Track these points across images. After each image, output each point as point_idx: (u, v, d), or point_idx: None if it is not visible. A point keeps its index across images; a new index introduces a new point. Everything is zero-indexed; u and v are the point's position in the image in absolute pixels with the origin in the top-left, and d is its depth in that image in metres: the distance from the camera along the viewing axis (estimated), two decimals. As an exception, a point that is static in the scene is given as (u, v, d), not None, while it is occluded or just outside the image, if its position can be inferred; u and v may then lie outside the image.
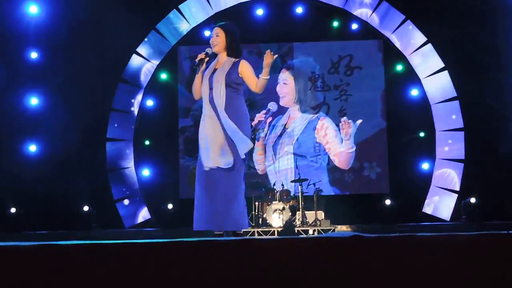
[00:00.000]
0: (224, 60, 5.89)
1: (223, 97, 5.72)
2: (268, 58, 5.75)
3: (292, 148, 12.23)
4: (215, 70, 5.83)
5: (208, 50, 5.90)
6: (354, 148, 12.09)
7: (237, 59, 5.91)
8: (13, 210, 11.47)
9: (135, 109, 12.43)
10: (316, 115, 12.43)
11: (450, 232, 8.86)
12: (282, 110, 12.31)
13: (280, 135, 12.33)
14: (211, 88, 5.76)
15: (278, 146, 12.29)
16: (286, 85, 12.53)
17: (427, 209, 12.00)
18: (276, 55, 5.82)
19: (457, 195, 11.88)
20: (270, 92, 11.65)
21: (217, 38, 5.91)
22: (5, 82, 11.95)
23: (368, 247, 2.64)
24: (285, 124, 12.43)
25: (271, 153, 12.23)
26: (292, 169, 12.04)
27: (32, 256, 2.72)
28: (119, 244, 2.78)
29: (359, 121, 11.82)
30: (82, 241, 3.10)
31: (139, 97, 12.42)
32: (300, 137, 12.32)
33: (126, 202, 12.20)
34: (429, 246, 2.60)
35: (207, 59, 5.89)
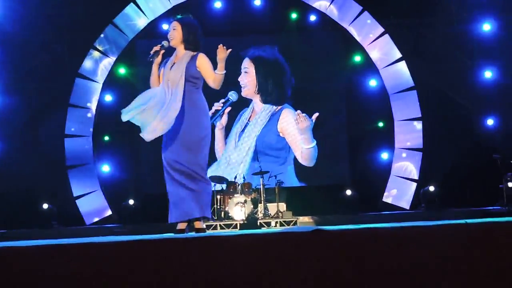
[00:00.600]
0: (182, 54, 5.87)
1: (181, 91, 5.71)
2: (222, 53, 5.75)
3: (253, 143, 12.00)
4: (174, 64, 5.81)
5: (164, 43, 5.88)
6: (314, 144, 11.75)
7: (195, 53, 5.90)
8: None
9: (93, 105, 12.27)
10: (280, 107, 12.25)
11: (410, 221, 9.00)
12: (246, 103, 12.15)
13: (243, 129, 12.09)
14: (169, 81, 5.73)
15: (240, 140, 12.03)
16: (247, 74, 12.20)
17: (387, 198, 12.13)
18: (229, 50, 5.81)
19: (416, 183, 12.03)
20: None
21: (174, 31, 5.89)
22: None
23: (329, 240, 2.65)
24: (249, 117, 12.19)
25: (232, 146, 12.01)
26: (249, 163, 11.84)
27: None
28: (78, 244, 2.75)
29: (315, 115, 11.19)
30: (41, 241, 3.05)
31: (97, 92, 12.26)
32: (263, 130, 12.05)
33: (86, 198, 12.05)
34: (389, 239, 2.63)
35: (162, 51, 5.86)
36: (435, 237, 2.60)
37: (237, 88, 11.64)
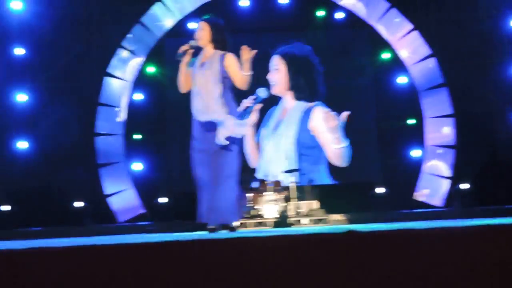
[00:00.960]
0: (211, 53, 5.88)
1: (216, 91, 5.73)
2: (246, 54, 5.76)
3: (289, 140, 11.91)
4: (203, 63, 5.82)
5: (193, 42, 5.89)
6: (345, 144, 11.55)
7: (223, 52, 5.91)
8: (4, 208, 11.41)
9: (123, 104, 12.35)
10: (312, 104, 12.15)
11: (443, 219, 8.92)
12: (275, 101, 12.08)
13: (276, 127, 11.98)
14: (203, 81, 5.75)
15: (275, 138, 11.92)
16: (278, 70, 12.10)
17: (419, 196, 12.03)
18: (254, 51, 5.81)
19: (449, 181, 11.91)
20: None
21: (201, 31, 5.92)
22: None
23: (363, 242, 2.63)
24: (280, 115, 12.07)
25: (268, 144, 11.92)
26: (285, 161, 11.76)
27: (25, 259, 2.70)
28: (113, 246, 2.77)
29: (345, 114, 10.74)
30: (75, 243, 3.08)
31: (126, 91, 12.35)
32: (296, 127, 11.96)
33: (118, 196, 12.16)
34: (424, 240, 2.60)
35: (191, 50, 5.87)
36: (474, 238, 2.57)
37: (265, 86, 11.59)
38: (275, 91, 11.97)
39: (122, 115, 12.32)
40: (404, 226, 2.89)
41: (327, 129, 11.33)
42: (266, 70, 12.03)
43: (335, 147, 11.58)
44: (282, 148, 11.88)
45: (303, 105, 12.00)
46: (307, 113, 11.98)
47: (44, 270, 2.61)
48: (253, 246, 2.68)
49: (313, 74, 11.97)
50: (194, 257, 2.66)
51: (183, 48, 5.87)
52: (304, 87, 11.95)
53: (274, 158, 11.87)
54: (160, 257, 2.67)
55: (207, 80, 5.69)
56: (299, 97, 11.98)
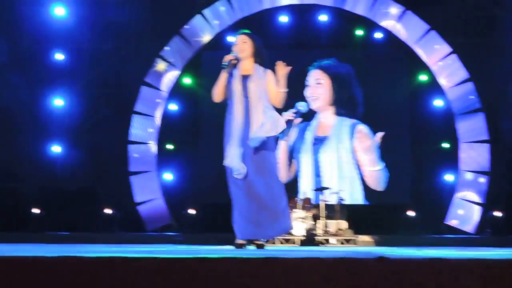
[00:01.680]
0: (251, 67, 5.87)
1: (262, 106, 5.73)
2: (282, 70, 5.75)
3: (332, 157, 11.86)
4: (245, 76, 5.80)
5: (236, 54, 5.86)
6: (380, 167, 11.46)
7: (264, 68, 5.91)
8: (35, 210, 11.53)
9: (158, 113, 12.43)
10: (353, 121, 12.15)
11: (475, 246, 8.77)
12: (307, 115, 12.04)
13: (316, 143, 11.92)
14: (245, 96, 5.74)
15: (319, 154, 11.88)
16: (321, 85, 12.09)
17: (451, 221, 11.86)
18: (289, 67, 5.79)
19: (481, 207, 11.73)
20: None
21: (244, 44, 5.89)
22: (31, 83, 12.11)
23: (394, 270, 2.58)
24: (317, 131, 12.04)
25: (307, 161, 11.89)
26: (321, 178, 11.69)
27: (51, 269, 2.70)
28: (139, 259, 2.76)
29: (380, 134, 10.91)
30: (105, 253, 3.08)
31: (162, 101, 12.43)
32: (342, 145, 11.95)
33: (147, 205, 12.21)
34: (459, 272, 2.55)
35: (235, 61, 5.86)
36: (508, 272, 2.50)
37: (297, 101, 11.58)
38: (316, 105, 11.91)
39: (156, 125, 12.39)
40: (437, 255, 2.83)
41: (363, 149, 11.31)
42: (301, 87, 12.04)
43: (369, 169, 11.53)
44: (323, 165, 11.82)
45: (347, 122, 11.95)
46: (352, 131, 11.95)
47: (70, 280, 2.62)
48: (280, 268, 2.65)
49: (355, 91, 11.98)
50: (219, 276, 2.63)
51: (229, 57, 5.83)
52: (347, 103, 11.93)
53: (308, 174, 11.86)
54: (184, 274, 2.65)
55: (253, 93, 5.69)
56: (340, 113, 11.96)
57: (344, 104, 11.97)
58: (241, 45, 5.90)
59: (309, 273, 2.62)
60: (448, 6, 12.31)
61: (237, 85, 5.78)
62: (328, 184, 11.03)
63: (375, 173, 11.50)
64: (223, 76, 5.82)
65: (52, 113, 12.44)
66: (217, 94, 5.85)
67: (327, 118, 12.04)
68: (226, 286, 2.58)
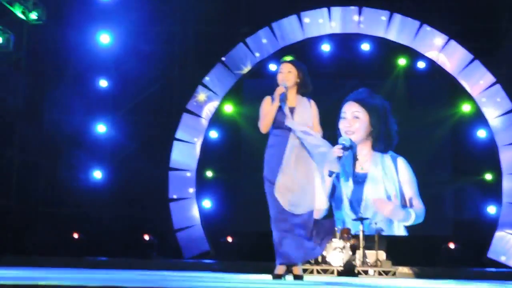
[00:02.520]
0: (295, 98, 5.82)
1: (316, 139, 5.71)
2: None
3: (377, 189, 11.85)
4: (292, 108, 5.75)
5: (285, 84, 5.80)
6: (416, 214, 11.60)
7: (307, 98, 5.86)
8: (76, 235, 11.64)
9: (199, 140, 12.50)
10: (391, 154, 12.09)
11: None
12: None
13: (356, 176, 11.86)
14: (296, 127, 5.71)
15: (348, 186, 11.89)
16: (358, 119, 12.07)
17: (493, 254, 11.61)
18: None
19: (526, 241, 11.48)
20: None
21: (289, 74, 5.82)
22: (76, 109, 12.34)
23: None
24: (355, 165, 11.97)
25: (348, 193, 11.89)
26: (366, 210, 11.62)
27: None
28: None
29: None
30: (142, 283, 3.09)
31: (203, 128, 12.49)
32: (379, 177, 11.92)
33: (186, 232, 12.23)
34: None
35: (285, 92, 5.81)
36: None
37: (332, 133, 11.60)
38: (354, 139, 11.83)
39: (196, 152, 12.44)
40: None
41: (407, 182, 11.44)
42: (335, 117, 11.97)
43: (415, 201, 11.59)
44: (367, 197, 11.78)
45: (386, 155, 11.91)
46: (395, 164, 11.89)
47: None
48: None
49: (390, 124, 11.90)
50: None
51: (281, 90, 5.77)
52: (384, 137, 11.86)
53: (347, 207, 11.80)
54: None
55: (298, 125, 5.67)
56: (376, 146, 11.89)
57: (381, 138, 11.91)
58: (286, 74, 5.84)
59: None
60: (492, 36, 12.20)
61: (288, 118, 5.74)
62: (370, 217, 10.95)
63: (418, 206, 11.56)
64: (274, 108, 5.74)
65: (95, 139, 12.61)
66: (267, 125, 5.74)
67: (364, 152, 11.98)
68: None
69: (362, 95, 12.04)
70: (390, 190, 11.91)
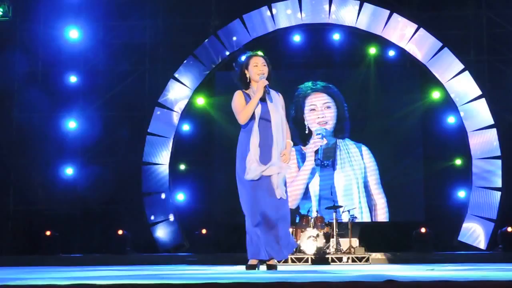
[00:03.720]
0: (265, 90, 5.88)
1: (287, 130, 5.79)
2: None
3: (345, 177, 12.00)
4: (261, 99, 5.80)
5: (263, 77, 5.86)
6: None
7: (275, 91, 5.93)
8: (48, 233, 11.58)
9: (171, 133, 12.48)
10: (353, 142, 12.26)
11: (485, 262, 8.73)
12: (307, 137, 12.08)
13: (324, 164, 12.01)
14: (268, 120, 5.76)
15: (317, 175, 12.05)
16: (330, 108, 12.22)
17: (463, 237, 11.81)
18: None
19: (493, 224, 11.67)
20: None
21: (264, 67, 5.90)
22: (46, 106, 12.26)
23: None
24: (322, 153, 12.12)
25: (317, 181, 12.02)
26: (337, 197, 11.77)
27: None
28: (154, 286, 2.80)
29: None
30: (117, 280, 3.11)
31: (175, 121, 12.48)
32: (346, 164, 12.09)
33: (160, 226, 12.24)
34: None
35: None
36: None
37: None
38: (327, 129, 11.99)
39: (169, 145, 12.43)
40: (445, 278, 2.85)
41: (370, 170, 11.64)
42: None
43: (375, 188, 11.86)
44: (337, 185, 11.92)
45: (351, 143, 12.11)
46: (360, 152, 12.09)
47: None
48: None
49: (346, 111, 12.17)
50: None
51: (266, 82, 5.81)
52: (345, 125, 12.11)
53: (319, 193, 11.95)
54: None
55: (277, 121, 5.73)
56: (339, 135, 12.11)
57: (344, 126, 12.13)
58: (262, 67, 5.91)
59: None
60: (461, 24, 12.38)
61: (257, 108, 5.81)
62: (341, 204, 11.08)
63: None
64: (256, 100, 5.78)
65: (65, 135, 12.54)
66: (248, 117, 5.77)
67: (330, 142, 12.15)
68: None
69: (324, 85, 12.21)
70: (357, 177, 12.07)
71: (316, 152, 10.95)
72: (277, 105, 5.85)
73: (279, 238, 5.76)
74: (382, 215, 12.18)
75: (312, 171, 12.04)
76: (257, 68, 5.86)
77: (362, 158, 12.12)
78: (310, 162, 11.76)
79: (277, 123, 5.79)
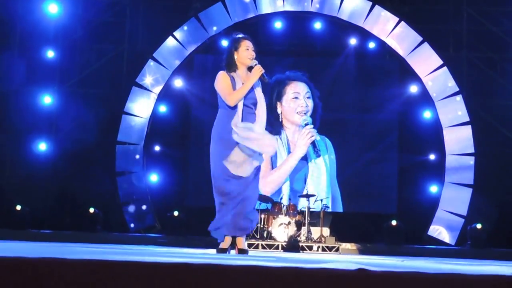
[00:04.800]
0: (246, 74, 5.87)
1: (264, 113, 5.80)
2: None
3: (315, 166, 12.03)
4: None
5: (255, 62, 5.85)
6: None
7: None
8: (18, 207, 11.48)
9: (148, 114, 12.39)
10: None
11: (453, 257, 8.83)
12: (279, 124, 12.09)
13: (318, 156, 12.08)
14: (252, 107, 5.76)
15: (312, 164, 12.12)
16: (310, 99, 12.24)
17: (433, 232, 11.92)
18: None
19: (463, 220, 11.79)
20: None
21: (253, 52, 5.89)
22: (21, 80, 12.10)
23: (374, 282, 2.61)
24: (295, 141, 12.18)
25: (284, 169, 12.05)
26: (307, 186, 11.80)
27: (32, 270, 2.69)
28: (123, 263, 2.77)
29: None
30: (84, 255, 3.08)
31: (152, 102, 12.39)
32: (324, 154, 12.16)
33: (132, 206, 12.18)
34: (437, 286, 2.58)
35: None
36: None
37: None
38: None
39: (145, 126, 12.35)
40: (417, 269, 2.86)
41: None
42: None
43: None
44: (307, 174, 11.96)
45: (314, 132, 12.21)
46: (325, 144, 12.18)
47: (52, 282, 2.62)
48: (259, 277, 2.66)
49: (317, 103, 12.22)
50: (198, 284, 2.63)
51: (261, 68, 5.77)
52: (317, 116, 12.17)
53: (291, 181, 11.97)
54: (165, 281, 2.65)
55: (261, 103, 5.74)
56: (314, 125, 12.16)
57: (318, 116, 12.19)
58: (252, 52, 5.89)
59: (289, 283, 2.63)
60: (442, 19, 12.43)
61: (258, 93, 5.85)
62: (313, 192, 11.10)
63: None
64: (249, 85, 5.76)
65: (40, 110, 12.40)
66: (239, 99, 5.74)
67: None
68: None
69: (302, 75, 12.22)
70: (323, 167, 12.13)
71: (313, 143, 10.84)
72: (260, 89, 5.86)
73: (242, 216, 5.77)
74: (339, 206, 12.17)
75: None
76: (248, 52, 5.86)
77: (326, 149, 12.18)
78: (301, 152, 11.66)
79: (262, 111, 5.78)
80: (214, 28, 12.42)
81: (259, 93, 5.82)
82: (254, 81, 5.75)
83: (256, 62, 5.81)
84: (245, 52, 5.84)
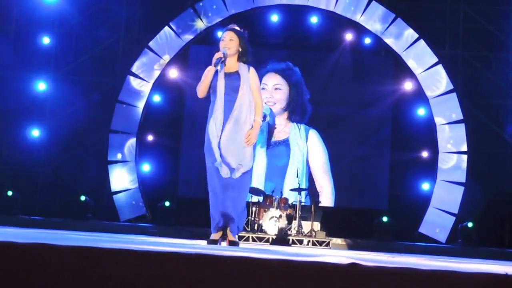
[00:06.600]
0: (234, 65, 5.86)
1: (249, 103, 5.74)
2: None
3: (299, 160, 12.03)
4: (227, 74, 5.78)
5: (225, 52, 5.82)
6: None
7: (247, 66, 5.90)
8: (10, 193, 11.45)
9: (141, 104, 12.35)
10: (302, 126, 12.30)
11: (444, 255, 8.85)
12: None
13: (272, 146, 12.08)
14: (227, 94, 5.72)
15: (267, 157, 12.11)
16: (280, 90, 12.23)
17: (424, 229, 11.93)
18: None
19: (454, 218, 11.80)
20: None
21: (231, 42, 5.86)
22: (16, 66, 12.05)
23: (365, 277, 2.60)
24: (272, 135, 12.20)
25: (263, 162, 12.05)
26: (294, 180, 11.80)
27: (21, 255, 2.68)
28: (114, 250, 2.75)
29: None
30: (77, 244, 3.06)
31: (146, 92, 12.35)
32: (295, 147, 12.16)
33: (123, 195, 12.15)
34: (426, 281, 2.57)
35: (224, 59, 5.82)
36: (477, 286, 2.54)
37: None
38: (274, 110, 12.07)
39: (138, 115, 12.30)
40: (409, 265, 2.86)
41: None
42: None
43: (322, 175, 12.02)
44: (293, 168, 11.95)
45: (301, 126, 12.18)
46: (307, 135, 12.18)
47: (42, 267, 2.60)
48: (250, 268, 2.65)
49: (305, 96, 12.18)
50: (190, 273, 2.62)
51: (219, 55, 5.78)
52: (300, 110, 12.15)
53: (262, 175, 11.97)
54: (155, 268, 2.64)
55: (242, 91, 5.69)
56: (293, 118, 12.16)
57: (297, 111, 12.18)
58: (228, 42, 5.87)
59: (281, 275, 2.63)
60: (438, 17, 12.42)
61: (220, 82, 5.76)
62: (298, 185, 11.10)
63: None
64: (210, 73, 5.78)
65: (34, 96, 12.34)
66: (202, 90, 5.81)
67: (282, 122, 12.21)
68: (195, 283, 2.58)
69: (282, 67, 12.21)
70: (300, 160, 12.14)
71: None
72: (244, 82, 5.81)
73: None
74: (327, 200, 12.13)
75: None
76: (223, 42, 5.88)
77: (306, 141, 12.16)
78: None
79: (241, 103, 5.75)
80: (211, 15, 12.37)
81: (219, 83, 5.79)
82: (211, 69, 5.78)
83: (222, 53, 5.80)
84: (221, 43, 5.88)
